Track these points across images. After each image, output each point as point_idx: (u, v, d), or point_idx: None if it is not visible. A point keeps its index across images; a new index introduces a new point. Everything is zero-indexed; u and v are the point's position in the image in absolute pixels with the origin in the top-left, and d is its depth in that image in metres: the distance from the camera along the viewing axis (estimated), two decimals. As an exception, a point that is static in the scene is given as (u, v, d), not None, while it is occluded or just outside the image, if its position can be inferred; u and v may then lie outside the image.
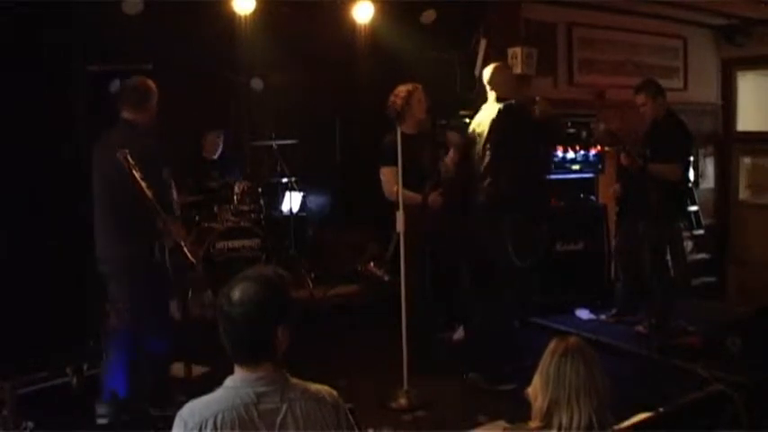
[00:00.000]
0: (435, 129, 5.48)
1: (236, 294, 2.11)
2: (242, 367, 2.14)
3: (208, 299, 5.89)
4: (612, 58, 7.77)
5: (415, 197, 4.86)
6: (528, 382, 2.49)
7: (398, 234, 4.56)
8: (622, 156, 5.68)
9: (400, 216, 4.44)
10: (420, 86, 5.13)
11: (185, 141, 7.11)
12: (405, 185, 4.71)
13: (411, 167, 4.78)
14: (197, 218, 6.45)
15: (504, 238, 4.93)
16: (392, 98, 5.02)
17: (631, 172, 5.83)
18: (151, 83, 4.46)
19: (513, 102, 5.08)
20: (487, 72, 5.30)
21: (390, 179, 4.88)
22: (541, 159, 6.06)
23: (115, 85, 6.08)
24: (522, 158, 4.98)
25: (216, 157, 6.81)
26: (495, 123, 5.01)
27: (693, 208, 7.86)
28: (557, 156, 6.80)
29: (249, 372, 2.12)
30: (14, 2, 4.52)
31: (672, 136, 5.78)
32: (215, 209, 6.45)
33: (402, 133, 4.67)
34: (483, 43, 6.87)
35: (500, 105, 5.08)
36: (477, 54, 6.91)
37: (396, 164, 4.65)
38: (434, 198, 4.94)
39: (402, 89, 5.05)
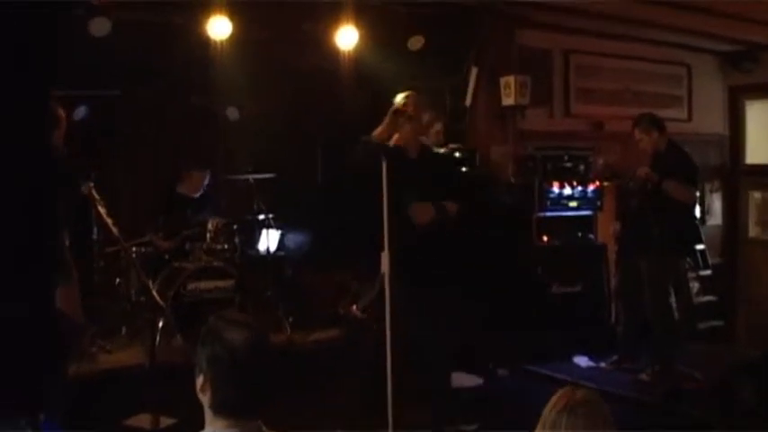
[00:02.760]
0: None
1: (240, 339, 2.11)
2: (228, 419, 2.11)
3: (177, 344, 5.88)
4: (612, 87, 7.97)
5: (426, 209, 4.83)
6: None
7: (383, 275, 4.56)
8: (640, 169, 5.76)
9: (385, 257, 4.45)
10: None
11: (154, 173, 7.16)
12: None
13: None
14: (167, 257, 6.46)
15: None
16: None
17: (634, 206, 5.93)
18: (59, 110, 4.14)
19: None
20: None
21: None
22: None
23: (80, 112, 6.16)
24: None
25: (198, 195, 6.88)
26: None
27: (699, 246, 7.92)
28: (552, 192, 6.92)
29: (233, 426, 2.11)
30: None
31: (677, 165, 5.88)
32: (186, 247, 6.47)
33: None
34: (474, 71, 7.05)
35: None
36: (467, 83, 7.08)
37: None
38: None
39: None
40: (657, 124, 5.99)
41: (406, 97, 4.92)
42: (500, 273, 6.47)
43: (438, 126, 5.52)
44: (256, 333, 2.14)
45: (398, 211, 4.56)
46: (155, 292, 5.77)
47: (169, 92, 6.88)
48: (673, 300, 5.95)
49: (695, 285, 7.95)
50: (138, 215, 6.63)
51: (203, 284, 6.28)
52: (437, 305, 4.89)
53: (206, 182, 6.88)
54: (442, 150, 6.03)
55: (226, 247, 6.70)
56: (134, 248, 6.20)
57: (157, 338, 5.70)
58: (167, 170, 7.04)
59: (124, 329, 6.33)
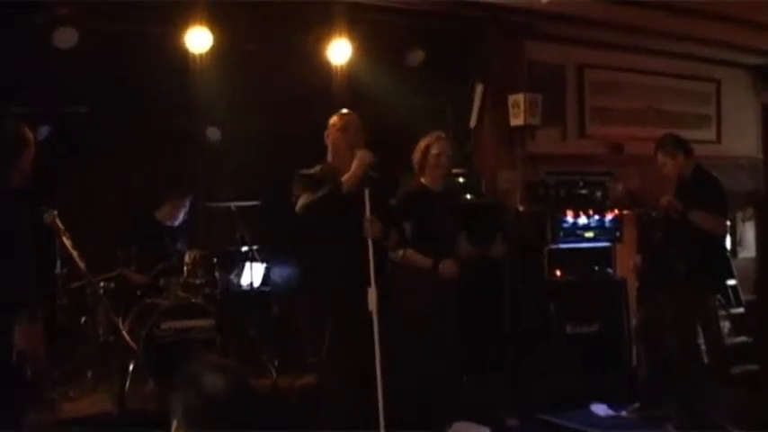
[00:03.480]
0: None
1: (220, 384, 2.13)
2: None
3: (149, 390, 5.88)
4: (632, 106, 8.07)
5: (424, 261, 5.19)
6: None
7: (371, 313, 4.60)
8: (663, 197, 5.79)
9: (372, 293, 4.48)
10: (443, 136, 5.53)
11: (126, 200, 7.18)
12: (419, 245, 5.12)
13: (426, 229, 5.11)
14: (140, 292, 6.49)
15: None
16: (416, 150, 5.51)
17: (657, 237, 5.95)
18: (27, 131, 4.13)
19: None
20: None
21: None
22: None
23: (43, 131, 6.20)
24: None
25: (176, 224, 6.93)
26: None
27: (731, 282, 7.93)
28: (566, 221, 6.97)
29: None
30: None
31: (704, 193, 5.89)
32: (161, 282, 6.49)
33: (420, 185, 5.17)
34: (479, 89, 7.15)
35: None
36: (472, 102, 7.20)
37: (408, 220, 5.08)
38: (447, 264, 5.16)
39: (422, 143, 5.48)
40: (683, 146, 6.01)
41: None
42: (507, 311, 6.53)
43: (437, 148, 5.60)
44: (237, 378, 2.16)
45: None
46: (125, 333, 5.83)
47: (143, 109, 6.93)
48: (701, 341, 5.96)
49: (726, 325, 7.93)
50: (108, 246, 6.61)
51: (180, 324, 6.27)
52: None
53: (185, 209, 6.94)
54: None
55: (205, 281, 6.71)
56: (102, 283, 6.19)
57: (127, 384, 5.71)
58: (141, 196, 7.10)
59: (90, 373, 6.28)
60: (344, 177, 4.58)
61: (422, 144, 5.53)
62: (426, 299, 5.32)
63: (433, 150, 5.45)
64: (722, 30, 7.28)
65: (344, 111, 5.05)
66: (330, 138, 4.94)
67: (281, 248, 7.65)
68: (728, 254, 7.75)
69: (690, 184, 5.97)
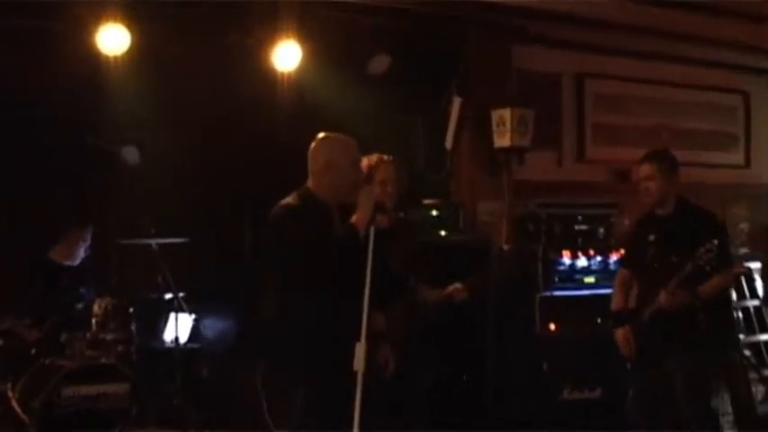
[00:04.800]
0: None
1: None
2: None
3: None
4: (641, 123, 8.12)
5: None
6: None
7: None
8: (662, 295, 5.68)
9: (360, 349, 4.43)
10: (390, 159, 5.35)
11: (17, 236, 7.11)
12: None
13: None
14: (34, 351, 6.43)
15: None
16: None
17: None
18: None
19: None
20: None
21: None
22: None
23: None
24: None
25: (76, 263, 6.88)
26: None
27: (764, 337, 7.96)
28: (562, 264, 6.99)
29: None
30: None
31: (701, 233, 5.79)
32: (62, 338, 6.43)
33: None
34: (457, 102, 7.17)
35: None
36: (448, 118, 7.22)
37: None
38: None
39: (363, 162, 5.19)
40: (676, 169, 5.91)
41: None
42: (490, 372, 6.53)
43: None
44: None
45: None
46: (14, 402, 5.76)
47: (43, 122, 6.89)
48: (716, 404, 5.97)
49: (759, 390, 7.96)
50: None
51: (86, 389, 6.22)
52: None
53: (85, 245, 6.90)
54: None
55: (118, 337, 6.68)
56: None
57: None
58: (36, 231, 7.03)
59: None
60: (355, 219, 4.50)
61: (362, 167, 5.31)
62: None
63: (378, 176, 5.30)
64: (751, 31, 7.34)
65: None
66: (349, 172, 4.82)
67: (217, 296, 7.64)
68: (760, 304, 7.82)
69: (676, 222, 5.84)
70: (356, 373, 4.39)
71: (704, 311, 5.74)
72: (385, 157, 5.37)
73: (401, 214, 5.86)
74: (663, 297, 5.52)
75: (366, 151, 5.87)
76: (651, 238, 5.71)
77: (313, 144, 4.63)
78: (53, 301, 6.59)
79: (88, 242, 6.90)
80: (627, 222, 7.20)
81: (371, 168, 5.31)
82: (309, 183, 4.56)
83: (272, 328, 4.76)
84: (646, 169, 5.88)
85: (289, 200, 4.57)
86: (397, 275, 5.35)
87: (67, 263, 6.85)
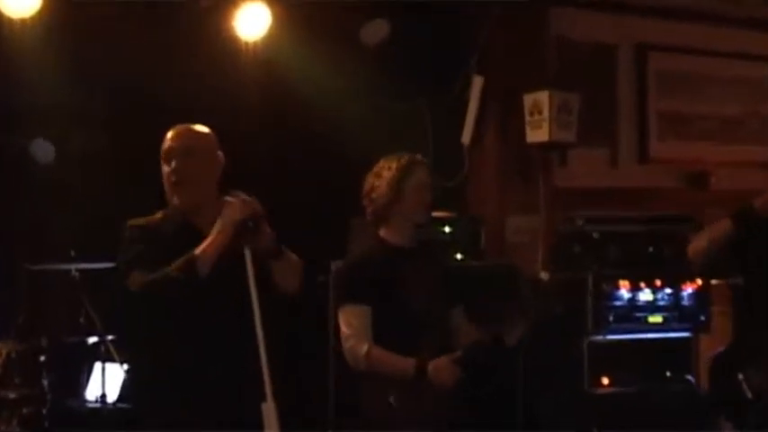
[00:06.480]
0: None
1: None
2: None
3: None
4: (722, 111, 8.10)
5: (403, 365, 4.98)
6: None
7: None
8: None
9: (271, 410, 4.38)
10: (423, 160, 5.28)
11: None
12: (387, 339, 4.92)
13: (398, 307, 4.97)
14: None
15: None
16: (370, 181, 5.19)
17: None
18: None
19: None
20: None
21: (356, 329, 5.00)
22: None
23: None
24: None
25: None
26: None
27: None
28: (619, 297, 6.92)
29: None
30: None
31: None
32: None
33: (384, 242, 5.04)
34: (477, 83, 7.13)
35: None
36: (465, 105, 7.21)
37: (366, 302, 4.93)
38: (439, 367, 4.99)
39: (385, 165, 5.19)
40: None
41: None
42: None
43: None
44: None
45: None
46: None
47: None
48: None
49: None
50: None
51: (-20, 465, 6.21)
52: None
53: None
54: None
55: (26, 393, 6.65)
56: None
57: None
58: None
59: None
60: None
61: (385, 172, 5.35)
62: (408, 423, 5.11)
63: (410, 181, 5.22)
64: None
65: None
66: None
67: (155, 340, 7.59)
68: None
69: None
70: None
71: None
72: (418, 156, 5.29)
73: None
74: None
75: (356, 150, 5.80)
76: None
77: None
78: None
79: None
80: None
81: (401, 171, 5.21)
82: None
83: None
84: None
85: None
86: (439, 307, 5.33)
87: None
